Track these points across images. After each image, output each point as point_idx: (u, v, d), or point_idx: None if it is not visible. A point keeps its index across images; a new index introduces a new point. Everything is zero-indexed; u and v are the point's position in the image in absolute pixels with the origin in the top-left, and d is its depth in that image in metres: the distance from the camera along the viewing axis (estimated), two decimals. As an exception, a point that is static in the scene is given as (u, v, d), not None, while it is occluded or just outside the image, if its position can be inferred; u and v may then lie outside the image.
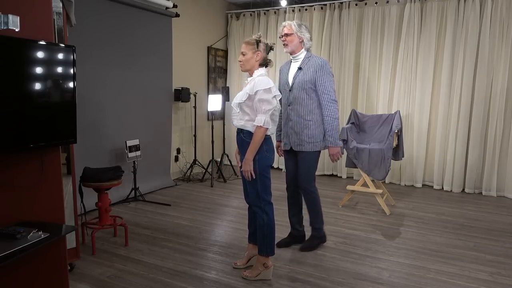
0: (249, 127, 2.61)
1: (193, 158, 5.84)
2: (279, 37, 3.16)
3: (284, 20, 6.13)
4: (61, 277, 2.32)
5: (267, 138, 2.63)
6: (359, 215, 4.20)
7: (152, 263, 2.96)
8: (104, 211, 3.24)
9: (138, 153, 4.57)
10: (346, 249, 3.27)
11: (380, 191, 4.30)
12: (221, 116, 6.65)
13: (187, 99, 5.55)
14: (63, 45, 2.30)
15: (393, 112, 5.20)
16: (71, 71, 2.31)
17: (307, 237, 3.34)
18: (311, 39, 3.13)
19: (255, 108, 2.56)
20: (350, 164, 4.47)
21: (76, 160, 2.99)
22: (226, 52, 6.80)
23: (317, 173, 3.22)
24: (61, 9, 2.62)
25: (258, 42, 2.62)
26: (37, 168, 2.25)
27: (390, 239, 3.51)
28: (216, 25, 6.55)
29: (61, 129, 2.31)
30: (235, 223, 3.89)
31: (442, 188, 5.34)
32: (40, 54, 2.13)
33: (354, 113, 4.94)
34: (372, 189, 4.30)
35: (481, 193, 5.11)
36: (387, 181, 5.63)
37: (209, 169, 5.72)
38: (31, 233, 1.99)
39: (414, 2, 5.28)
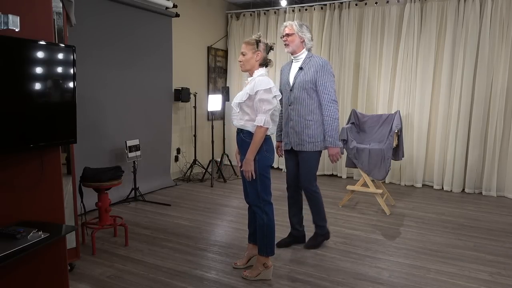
0: (249, 127, 2.61)
1: (193, 158, 5.85)
2: (281, 37, 3.17)
3: (284, 20, 6.14)
4: (61, 277, 2.32)
5: (267, 138, 2.63)
6: (359, 215, 4.20)
7: (152, 263, 2.96)
8: (104, 211, 3.24)
9: (138, 153, 4.57)
10: (346, 249, 3.27)
11: (380, 191, 4.30)
12: (221, 116, 6.65)
13: (187, 99, 5.55)
14: (63, 45, 2.30)
15: (393, 112, 5.20)
16: (71, 71, 2.31)
17: (307, 237, 3.35)
18: (312, 39, 3.13)
19: (255, 108, 2.56)
20: (350, 164, 4.46)
21: (76, 160, 2.98)
22: (226, 52, 6.80)
23: (317, 173, 3.22)
24: (61, 9, 2.62)
25: (258, 42, 2.62)
26: (37, 168, 2.25)
27: (390, 239, 3.51)
28: (216, 25, 6.55)
29: (61, 129, 2.30)
30: (235, 223, 3.89)
31: (442, 188, 5.34)
32: (40, 54, 2.13)
33: (354, 113, 4.94)
34: (372, 189, 4.30)
35: (481, 193, 5.11)
36: (387, 181, 5.63)
37: (209, 169, 5.72)
38: (31, 233, 1.99)
39: (414, 2, 5.28)
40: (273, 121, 2.64)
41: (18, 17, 1.89)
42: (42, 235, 2.01)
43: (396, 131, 4.28)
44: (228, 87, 6.23)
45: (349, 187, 4.48)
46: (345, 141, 4.31)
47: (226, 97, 6.00)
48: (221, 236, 3.55)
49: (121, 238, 3.40)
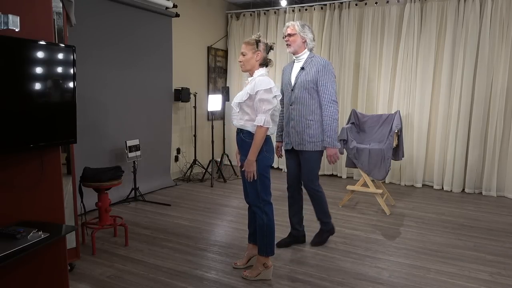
0: (248, 127, 2.61)
1: (193, 158, 5.84)
2: (283, 37, 3.18)
3: (284, 20, 6.15)
4: (61, 277, 2.32)
5: (267, 139, 2.63)
6: (359, 215, 4.20)
7: (152, 263, 2.96)
8: (104, 211, 3.24)
9: (138, 153, 4.57)
10: (346, 249, 3.27)
11: (380, 191, 4.30)
12: (221, 116, 6.65)
13: (187, 99, 5.55)
14: (63, 45, 2.30)
15: (393, 112, 5.20)
16: (71, 71, 2.31)
17: (307, 238, 3.36)
18: (314, 40, 3.14)
19: (255, 108, 2.56)
20: (350, 164, 4.46)
21: (76, 160, 2.99)
22: (226, 52, 6.80)
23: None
24: (61, 9, 2.62)
25: (257, 42, 2.62)
26: (37, 168, 2.25)
27: (390, 239, 3.51)
28: (216, 25, 6.55)
29: (61, 129, 2.31)
30: (235, 223, 3.89)
31: (442, 188, 5.34)
32: (40, 54, 2.13)
33: (354, 113, 4.94)
34: (372, 189, 4.30)
35: (481, 193, 5.11)
36: (387, 181, 5.63)
37: (209, 169, 5.72)
38: (31, 233, 1.99)
39: (414, 2, 5.28)
40: (273, 121, 2.64)
41: (18, 17, 1.89)
42: (42, 235, 2.01)
43: (396, 131, 4.28)
44: (228, 87, 6.23)
45: (349, 187, 4.48)
46: (345, 141, 4.31)
47: (226, 97, 6.00)
48: (221, 236, 3.55)
49: (121, 238, 3.40)
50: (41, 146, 2.19)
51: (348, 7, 5.72)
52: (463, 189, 5.23)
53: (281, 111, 3.23)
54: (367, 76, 5.70)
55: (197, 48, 6.13)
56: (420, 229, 3.77)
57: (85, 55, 3.96)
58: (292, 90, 3.10)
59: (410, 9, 5.30)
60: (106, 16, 4.34)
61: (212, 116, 5.76)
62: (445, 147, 5.31)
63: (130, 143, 4.47)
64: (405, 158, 5.22)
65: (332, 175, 6.14)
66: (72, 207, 2.81)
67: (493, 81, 4.96)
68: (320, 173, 5.91)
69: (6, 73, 1.96)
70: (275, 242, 2.85)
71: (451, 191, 5.24)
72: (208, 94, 6.14)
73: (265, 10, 6.40)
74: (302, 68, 3.07)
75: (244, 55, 2.63)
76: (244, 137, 2.64)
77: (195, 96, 5.74)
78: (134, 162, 4.52)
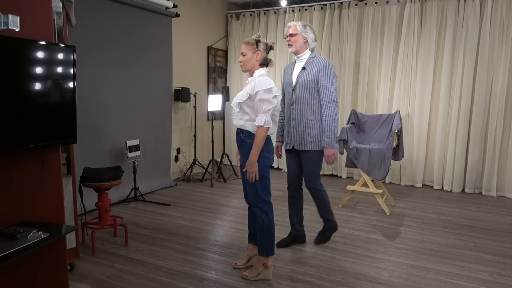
0: (248, 127, 2.61)
1: (193, 158, 5.84)
2: (284, 37, 3.18)
3: (284, 20, 6.16)
4: (61, 277, 2.32)
5: (267, 139, 2.63)
6: (359, 215, 4.20)
7: (152, 263, 2.96)
8: (104, 211, 3.24)
9: (138, 153, 4.57)
10: (346, 249, 3.27)
11: (380, 191, 4.30)
12: (221, 116, 6.64)
13: (187, 99, 5.55)
14: (63, 45, 2.30)
15: (393, 112, 5.20)
16: (71, 71, 2.31)
17: (307, 238, 3.36)
18: (315, 40, 3.14)
19: (255, 108, 2.56)
20: (350, 164, 4.46)
21: (76, 160, 2.99)
22: (226, 52, 6.80)
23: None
24: (61, 9, 2.62)
25: (257, 42, 2.62)
26: (37, 168, 2.25)
27: (390, 239, 3.51)
28: (216, 25, 6.55)
29: (61, 129, 2.31)
30: (235, 223, 3.89)
31: (442, 188, 5.34)
32: (40, 54, 2.13)
33: (354, 113, 4.94)
34: (372, 189, 4.30)
35: (481, 193, 5.11)
36: (387, 181, 5.63)
37: (209, 169, 5.72)
38: (31, 233, 1.99)
39: (414, 2, 5.28)
40: (273, 121, 2.64)
41: (18, 17, 1.89)
42: (42, 235, 2.01)
43: (396, 131, 4.28)
44: (228, 87, 6.23)
45: (349, 187, 4.48)
46: (345, 141, 4.31)
47: (226, 97, 6.00)
48: (221, 236, 3.55)
49: (121, 238, 3.40)
50: (41, 146, 2.19)
51: (348, 7, 5.72)
52: (463, 189, 5.23)
53: (281, 111, 3.24)
54: (367, 76, 5.70)
55: (197, 48, 6.13)
56: (420, 229, 3.77)
57: (85, 55, 3.96)
58: (293, 90, 3.11)
59: (410, 9, 5.30)
60: (106, 16, 4.34)
61: (212, 116, 5.76)
62: (445, 147, 5.31)
63: (130, 143, 4.47)
64: (405, 158, 5.22)
65: (332, 175, 6.14)
66: (72, 207, 2.81)
67: (493, 81, 4.96)
68: (320, 173, 5.96)
69: (6, 73, 1.96)
70: (275, 242, 2.85)
71: (451, 191, 5.24)
72: (208, 94, 6.14)
73: (265, 10, 6.40)
74: (304, 68, 3.08)
75: (244, 55, 2.63)
76: (244, 137, 2.64)
77: (195, 96, 5.74)
78: (134, 162, 4.52)
